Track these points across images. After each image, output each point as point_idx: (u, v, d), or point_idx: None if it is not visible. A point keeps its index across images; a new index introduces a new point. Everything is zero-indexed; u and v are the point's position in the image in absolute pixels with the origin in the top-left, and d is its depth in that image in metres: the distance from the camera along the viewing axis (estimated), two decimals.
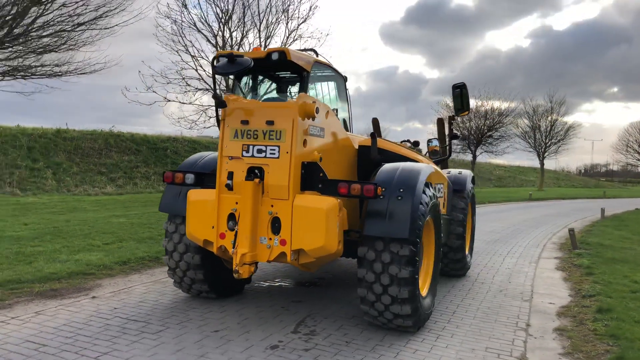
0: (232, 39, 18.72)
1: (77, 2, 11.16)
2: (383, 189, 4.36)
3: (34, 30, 10.83)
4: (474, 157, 38.90)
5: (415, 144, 7.75)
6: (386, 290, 4.28)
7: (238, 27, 18.63)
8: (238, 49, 18.78)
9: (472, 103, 38.06)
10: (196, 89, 19.44)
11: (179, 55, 18.89)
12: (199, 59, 18.94)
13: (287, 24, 19.12)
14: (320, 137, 4.57)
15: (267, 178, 4.24)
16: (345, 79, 6.88)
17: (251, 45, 19.65)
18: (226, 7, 18.37)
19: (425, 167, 4.81)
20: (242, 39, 18.70)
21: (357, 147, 5.44)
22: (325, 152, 4.60)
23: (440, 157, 7.16)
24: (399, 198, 4.31)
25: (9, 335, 4.11)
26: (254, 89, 6.13)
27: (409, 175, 4.50)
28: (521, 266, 8.22)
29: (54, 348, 3.86)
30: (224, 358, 3.82)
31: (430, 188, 4.79)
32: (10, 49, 11.06)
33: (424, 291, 4.87)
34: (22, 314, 4.64)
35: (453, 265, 6.84)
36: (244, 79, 6.16)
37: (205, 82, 19.37)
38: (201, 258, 4.98)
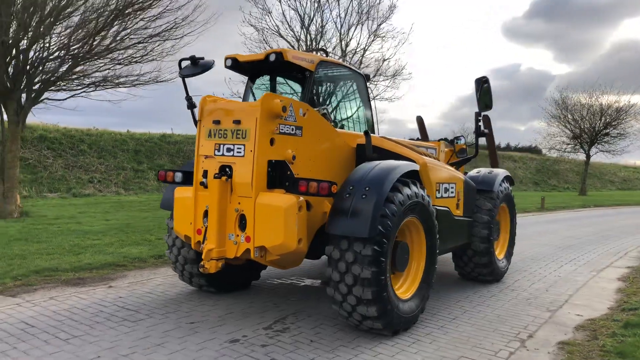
0: (313, 43, 19.06)
1: (154, 16, 12.08)
2: (351, 188, 4.30)
3: (116, 42, 11.90)
4: (588, 157, 35.88)
5: (452, 142, 7.43)
6: (351, 290, 4.20)
7: (318, 31, 18.91)
8: (317, 52, 19.08)
9: (585, 99, 35.23)
10: (281, 93, 20.03)
11: None
12: None
13: (363, 24, 19.03)
14: (296, 135, 4.57)
15: (234, 176, 4.35)
16: (366, 77, 6.79)
17: (334, 47, 19.89)
18: (305, 12, 18.76)
19: (405, 165, 4.63)
20: (319, 41, 18.96)
21: (354, 145, 5.35)
22: (303, 151, 4.61)
23: (467, 156, 6.79)
24: (363, 197, 4.20)
25: (12, 315, 4.61)
26: (272, 91, 6.29)
27: (380, 174, 4.36)
28: (576, 274, 7.53)
29: (38, 329, 4.28)
30: (179, 348, 3.99)
31: (413, 187, 4.59)
32: (99, 60, 12.24)
33: (406, 294, 4.69)
34: (37, 298, 5.18)
35: (480, 270, 6.45)
36: (259, 81, 6.35)
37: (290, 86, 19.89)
38: (196, 253, 5.20)
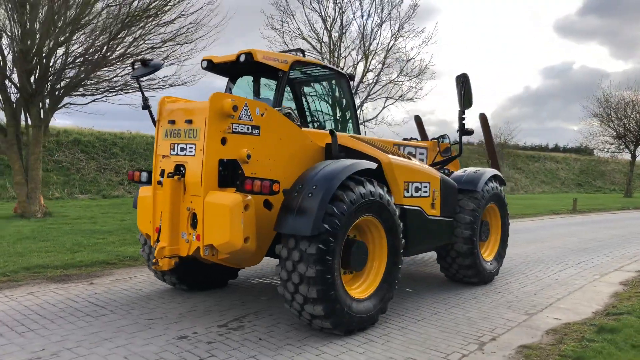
0: (333, 45, 19.06)
1: (169, 21, 12.39)
2: (300, 187, 4.30)
3: (132, 48, 12.27)
4: (633, 157, 34.35)
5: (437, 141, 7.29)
6: (297, 289, 4.19)
7: (341, 32, 18.89)
8: (339, 53, 19.08)
9: (630, 96, 33.75)
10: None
11: None
12: None
13: (384, 24, 18.87)
14: (252, 135, 4.60)
15: (187, 175, 4.42)
16: (349, 77, 6.77)
17: (357, 48, 19.83)
18: (327, 13, 18.78)
19: (358, 163, 4.59)
20: (340, 41, 18.93)
21: (323, 145, 5.33)
22: (261, 150, 4.63)
23: (451, 155, 6.65)
24: (310, 195, 4.19)
25: None
26: (256, 92, 6.36)
27: (329, 172, 4.33)
28: (576, 278, 7.25)
29: (1, 322, 4.47)
30: (124, 343, 4.07)
31: (369, 186, 4.54)
32: (116, 65, 12.65)
33: (364, 293, 4.64)
34: (17, 294, 5.40)
35: (464, 271, 6.30)
36: (241, 82, 6.42)
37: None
38: None
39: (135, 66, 4.71)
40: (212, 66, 5.92)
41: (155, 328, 4.46)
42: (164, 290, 5.71)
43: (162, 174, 4.58)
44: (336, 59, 19.13)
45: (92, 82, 12.80)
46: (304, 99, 7.12)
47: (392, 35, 19.08)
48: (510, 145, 31.75)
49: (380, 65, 19.34)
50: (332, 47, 19.34)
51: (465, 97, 6.05)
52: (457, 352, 4.19)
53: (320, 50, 19.42)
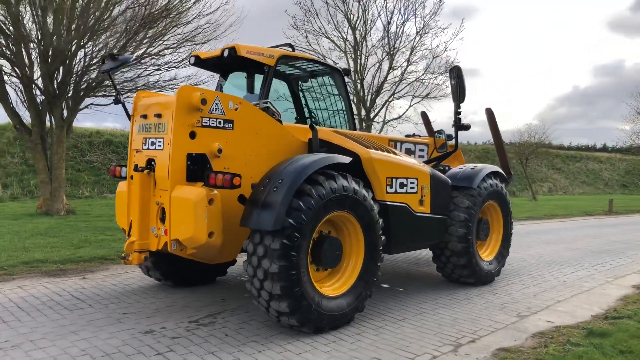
0: (357, 44, 18.91)
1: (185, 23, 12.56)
2: (267, 181, 4.23)
3: (152, 48, 12.50)
4: None
5: (448, 137, 7.09)
6: (262, 285, 4.11)
7: (365, 30, 18.73)
8: (361, 52, 18.91)
9: None
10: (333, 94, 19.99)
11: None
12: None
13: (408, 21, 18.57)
14: (225, 129, 4.55)
15: (156, 169, 4.41)
16: (344, 72, 6.65)
17: (382, 45, 19.60)
18: (352, 11, 18.64)
19: (328, 157, 4.47)
20: (364, 40, 18.75)
21: (306, 140, 5.24)
22: (235, 145, 4.58)
23: (446, 151, 6.42)
24: (274, 189, 4.10)
25: None
26: (249, 88, 6.32)
27: (297, 167, 4.23)
28: (587, 280, 6.90)
29: None
30: (89, 336, 4.08)
31: (342, 180, 4.41)
32: (137, 66, 12.90)
33: (338, 291, 4.52)
34: (6, 287, 5.51)
35: (460, 271, 6.08)
36: (233, 79, 6.40)
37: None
38: None
39: (106, 61, 4.74)
40: (200, 62, 5.91)
41: (126, 322, 4.46)
42: (151, 286, 5.74)
43: (135, 169, 4.59)
44: (360, 58, 18.98)
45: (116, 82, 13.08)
46: (301, 95, 7.05)
47: (417, 33, 18.78)
48: (547, 144, 30.71)
49: (405, 63, 19.06)
50: (356, 45, 19.18)
51: (459, 91, 5.84)
52: (428, 354, 4.02)
53: (344, 49, 19.29)
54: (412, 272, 7.12)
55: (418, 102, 19.92)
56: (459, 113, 6.16)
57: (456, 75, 5.82)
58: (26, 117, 12.68)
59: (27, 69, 12.17)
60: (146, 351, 3.81)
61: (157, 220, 4.39)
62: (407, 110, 20.28)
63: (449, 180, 6.01)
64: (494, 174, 6.46)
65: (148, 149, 4.51)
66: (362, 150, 4.97)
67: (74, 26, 12.14)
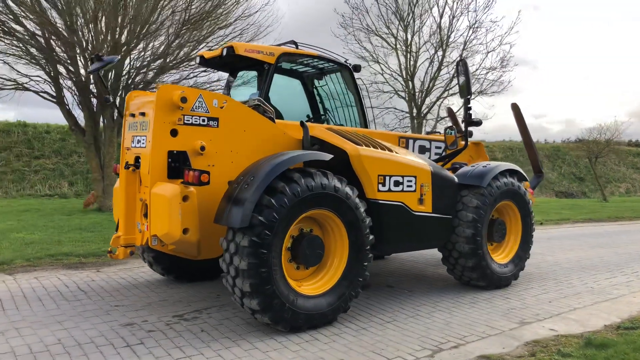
0: (407, 41, 18.55)
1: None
2: (241, 178, 4.23)
3: (195, 50, 12.89)
4: None
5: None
6: (235, 281, 4.12)
7: (412, 28, 18.35)
8: (411, 49, 18.53)
9: None
10: (384, 91, 19.80)
11: (369, 64, 19.56)
12: (381, 63, 19.34)
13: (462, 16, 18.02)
14: (210, 127, 4.59)
15: (140, 167, 4.53)
16: (354, 68, 6.54)
17: (435, 41, 19.14)
18: (401, 7, 18.31)
19: (303, 154, 4.41)
20: (413, 37, 18.37)
21: (300, 137, 5.19)
22: (221, 142, 4.62)
23: (457, 148, 6.14)
24: (245, 186, 4.09)
25: None
26: (260, 86, 6.38)
27: (271, 164, 4.20)
28: (618, 287, 6.39)
29: None
30: (71, 326, 4.24)
31: (321, 178, 4.33)
32: (182, 67, 13.36)
33: (319, 290, 4.45)
34: (24, 277, 5.86)
35: (469, 273, 5.80)
36: (241, 77, 6.48)
37: (390, 84, 19.62)
38: None
39: (94, 62, 4.91)
40: (205, 62, 6.01)
41: (113, 314, 4.61)
42: (156, 280, 5.90)
43: (125, 166, 4.74)
44: (410, 54, 18.62)
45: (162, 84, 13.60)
46: (315, 93, 7.01)
47: (469, 27, 18.14)
48: (621, 142, 28.81)
49: (458, 59, 18.45)
50: (407, 42, 18.83)
51: (466, 85, 5.59)
52: (401, 358, 3.87)
53: (395, 46, 19.00)
54: (426, 273, 6.89)
55: (473, 99, 19.23)
56: (469, 108, 5.90)
57: (463, 69, 5.57)
58: (80, 118, 13.43)
59: (81, 74, 12.90)
60: (117, 343, 3.92)
61: (141, 216, 4.51)
62: (461, 107, 19.55)
63: (455, 179, 5.75)
64: (510, 172, 6.11)
65: (135, 146, 4.63)
66: (350, 147, 4.86)
67: (125, 31, 12.75)
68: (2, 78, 12.33)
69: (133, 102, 4.84)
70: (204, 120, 4.55)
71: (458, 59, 5.62)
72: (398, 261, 7.62)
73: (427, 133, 7.25)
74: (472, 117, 5.87)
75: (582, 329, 4.69)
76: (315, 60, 6.25)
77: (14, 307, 4.75)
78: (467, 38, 18.19)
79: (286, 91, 7.00)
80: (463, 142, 6.25)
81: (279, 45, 6.18)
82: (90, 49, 12.36)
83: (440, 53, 18.55)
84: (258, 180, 4.06)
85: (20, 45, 12.38)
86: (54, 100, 12.89)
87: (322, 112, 6.94)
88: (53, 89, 12.90)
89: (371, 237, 4.71)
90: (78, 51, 12.66)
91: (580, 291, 6.12)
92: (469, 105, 5.84)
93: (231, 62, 5.87)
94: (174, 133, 4.40)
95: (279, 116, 6.12)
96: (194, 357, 3.73)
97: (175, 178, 4.40)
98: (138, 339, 4.01)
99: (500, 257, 6.16)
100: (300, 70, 6.85)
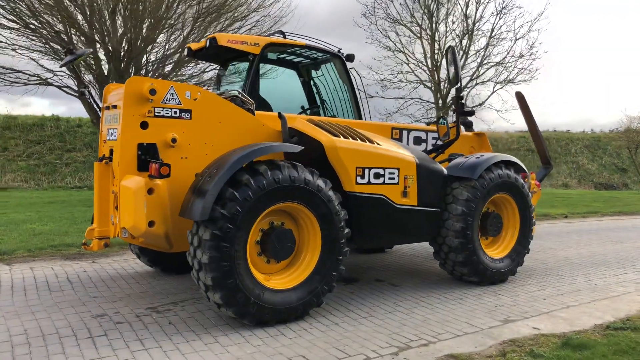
0: (432, 29, 18.13)
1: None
2: (207, 170, 4.20)
3: None
4: None
5: (466, 125, 6.65)
6: (199, 275, 4.09)
7: (436, 16, 17.91)
8: (435, 37, 18.09)
9: None
10: (409, 81, 19.47)
11: (394, 54, 19.27)
12: (406, 53, 19.00)
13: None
14: (182, 119, 4.56)
15: (113, 159, 4.55)
16: (346, 58, 6.43)
17: (461, 30, 18.66)
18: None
19: (272, 147, 4.33)
20: (436, 24, 17.91)
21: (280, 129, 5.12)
22: (194, 135, 4.59)
23: (449, 139, 5.92)
24: (208, 179, 4.05)
25: None
26: (253, 78, 6.34)
27: (235, 156, 4.14)
28: (626, 285, 6.08)
29: None
30: (42, 317, 4.31)
31: (289, 170, 4.25)
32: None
33: (291, 283, 4.39)
34: (20, 268, 6.01)
35: (460, 268, 5.62)
36: (232, 69, 6.45)
37: (415, 74, 19.28)
38: None
39: (66, 55, 4.95)
40: (193, 54, 6.00)
41: (89, 305, 4.67)
42: (145, 272, 5.95)
43: (100, 159, 4.78)
44: (436, 43, 18.21)
45: (183, 78, 13.75)
46: (312, 84, 6.93)
47: (496, 14, 17.57)
48: None
49: (484, 46, 17.97)
50: (433, 30, 18.42)
51: (455, 73, 5.39)
52: (363, 355, 3.76)
53: (420, 35, 18.61)
54: (421, 268, 6.72)
55: (501, 88, 18.72)
56: (461, 98, 5.69)
57: (451, 58, 5.37)
58: None
59: (102, 68, 13.19)
60: (81, 334, 3.95)
61: (113, 209, 4.53)
62: (489, 96, 19.06)
63: (444, 171, 5.56)
64: (506, 164, 5.87)
65: (109, 139, 4.65)
66: (326, 139, 4.75)
67: (145, 25, 12.94)
68: (26, 74, 12.72)
69: (110, 94, 4.86)
70: (175, 112, 4.52)
71: (448, 47, 5.38)
72: (397, 255, 7.47)
73: (427, 124, 7.04)
74: (465, 106, 5.65)
75: (568, 328, 4.47)
76: (305, 50, 6.15)
77: (20, 293, 4.89)
78: (494, 24, 17.65)
79: (282, 82, 6.94)
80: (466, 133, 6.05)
81: (268, 36, 6.11)
82: (108, 42, 12.60)
83: (466, 41, 18.07)
84: (220, 172, 4.01)
85: (44, 41, 12.73)
86: (76, 94, 13.21)
87: (318, 103, 6.85)
88: (75, 82, 13.21)
89: (346, 230, 4.61)
90: (98, 46, 12.93)
91: (581, 288, 5.84)
92: (460, 95, 5.63)
93: (216, 54, 5.83)
94: (144, 125, 4.39)
95: (268, 108, 6.06)
96: (152, 349, 3.72)
97: (145, 170, 4.39)
98: (103, 331, 4.03)
99: (496, 251, 5.95)
100: (296, 61, 6.77)
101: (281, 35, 6.01)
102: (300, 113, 6.65)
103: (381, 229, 5.06)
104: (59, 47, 12.89)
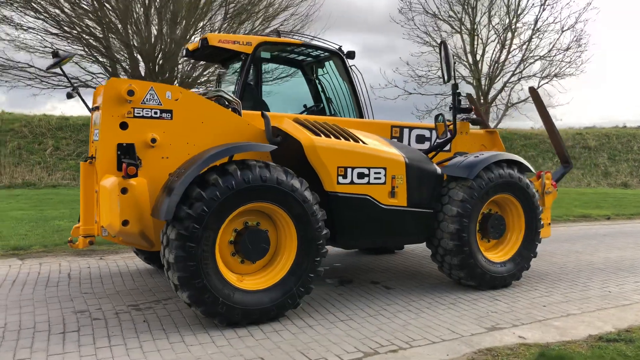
0: (473, 24, 17.58)
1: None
2: (178, 170, 4.22)
3: None
4: None
5: (474, 122, 6.41)
6: (168, 274, 4.13)
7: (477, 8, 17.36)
8: (474, 32, 17.53)
9: None
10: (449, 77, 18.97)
11: (434, 49, 18.87)
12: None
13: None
14: (163, 119, 4.61)
15: (96, 159, 4.66)
16: (348, 55, 6.33)
17: (504, 24, 18.02)
18: None
19: (243, 146, 4.30)
20: (475, 17, 17.34)
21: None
22: (176, 135, 4.63)
23: (447, 137, 5.68)
24: (176, 178, 4.07)
25: None
26: (256, 78, 6.39)
27: (204, 156, 4.15)
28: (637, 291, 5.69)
29: None
30: (27, 311, 4.48)
31: (261, 170, 4.21)
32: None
33: (265, 284, 4.35)
34: (31, 263, 6.29)
35: (456, 272, 5.40)
36: (231, 68, 6.49)
37: (456, 70, 18.76)
38: None
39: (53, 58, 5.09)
40: (190, 54, 6.06)
41: (76, 301, 4.81)
42: (146, 269, 6.08)
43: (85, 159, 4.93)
44: (476, 38, 17.65)
45: (213, 78, 13.99)
46: (317, 82, 6.87)
47: (540, 6, 16.82)
48: None
49: (528, 39, 17.26)
50: (473, 26, 17.87)
51: (447, 69, 5.18)
52: (324, 359, 3.68)
53: (459, 30, 18.11)
54: (424, 270, 6.51)
55: (547, 83, 17.93)
56: (459, 94, 5.46)
57: (443, 53, 5.16)
58: None
59: (140, 70, 13.62)
60: (55, 329, 4.07)
61: (96, 208, 4.64)
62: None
63: (438, 170, 5.36)
64: (508, 163, 5.59)
65: (95, 140, 4.77)
66: (305, 138, 4.68)
67: (180, 26, 13.26)
68: (67, 76, 13.28)
69: (98, 96, 4.97)
70: (155, 113, 4.57)
71: (440, 41, 5.18)
72: (405, 257, 7.29)
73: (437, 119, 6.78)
74: (462, 103, 5.43)
75: (557, 338, 4.21)
76: (303, 48, 6.08)
77: (17, 287, 5.13)
78: (539, 15, 16.92)
79: (287, 81, 6.92)
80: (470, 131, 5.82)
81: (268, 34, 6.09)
82: (142, 45, 12.99)
83: (508, 34, 17.42)
84: (187, 172, 4.02)
85: (84, 45, 13.28)
86: None
87: (322, 102, 6.78)
88: None
89: (325, 231, 4.52)
90: (136, 46, 13.35)
91: (592, 296, 5.49)
92: (457, 91, 5.40)
93: (211, 54, 5.87)
94: (123, 126, 4.46)
95: (264, 107, 6.05)
96: (116, 347, 3.78)
97: None
98: (77, 326, 4.14)
99: (499, 255, 5.68)
100: (299, 59, 6.72)
101: (276, 35, 5.98)
102: (302, 112, 6.60)
103: (366, 230, 4.94)
104: (99, 50, 13.43)
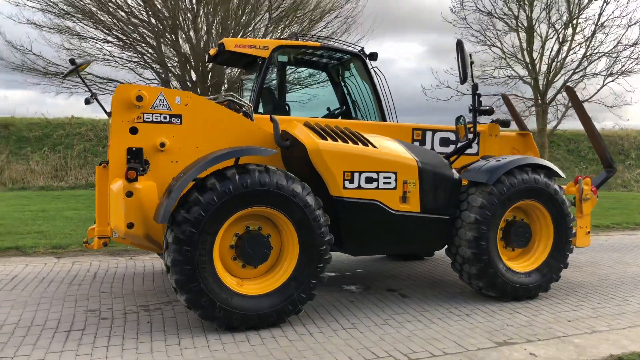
0: (530, 21, 16.83)
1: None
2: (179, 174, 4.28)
3: None
4: None
5: (504, 124, 6.15)
6: (168, 277, 4.18)
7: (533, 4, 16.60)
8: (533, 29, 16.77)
9: None
10: (510, 77, 18.35)
11: (490, 48, 18.30)
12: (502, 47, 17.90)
13: None
14: (172, 124, 4.69)
15: (109, 163, 4.81)
16: (369, 56, 6.22)
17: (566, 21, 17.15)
18: None
19: (242, 150, 4.29)
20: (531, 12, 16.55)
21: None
22: (185, 139, 4.70)
23: (466, 140, 5.41)
24: (174, 182, 4.12)
25: None
26: (280, 81, 6.43)
27: (201, 162, 4.18)
28: None
29: None
30: (44, 308, 4.67)
31: (260, 175, 4.18)
32: None
33: (266, 289, 4.32)
34: (65, 261, 6.59)
35: (475, 281, 5.15)
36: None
37: (513, 69, 18.12)
38: None
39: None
40: (212, 59, 6.15)
41: (91, 299, 4.97)
42: (161, 269, 6.21)
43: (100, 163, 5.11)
44: (534, 36, 16.89)
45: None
46: (343, 85, 6.81)
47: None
48: None
49: (591, 35, 16.31)
50: (530, 22, 17.11)
51: (462, 69, 4.96)
52: None
53: (516, 27, 17.39)
54: (447, 279, 6.24)
55: (612, 81, 16.88)
56: (479, 95, 5.22)
57: (459, 53, 4.94)
58: None
59: (191, 75, 14.03)
60: (63, 327, 4.22)
61: (109, 210, 4.79)
62: (598, 90, 17.24)
63: (455, 175, 5.13)
64: (533, 168, 5.27)
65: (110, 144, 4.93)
66: (310, 142, 4.60)
67: (227, 32, 13.56)
68: (121, 82, 13.92)
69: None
70: (165, 118, 4.65)
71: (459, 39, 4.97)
72: (433, 264, 7.05)
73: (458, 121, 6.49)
74: (482, 104, 5.18)
75: (573, 357, 3.91)
76: (323, 51, 6.02)
77: (12, 287, 5.36)
78: (602, 9, 15.95)
79: (312, 84, 6.89)
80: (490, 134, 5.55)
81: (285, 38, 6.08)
82: (192, 51, 13.36)
83: (569, 31, 16.56)
84: (185, 176, 4.07)
85: (137, 52, 13.85)
86: None
87: (349, 104, 6.70)
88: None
89: (328, 237, 4.44)
90: (186, 53, 13.76)
91: (627, 311, 5.08)
92: (477, 92, 5.16)
93: (231, 59, 5.92)
94: (133, 131, 4.56)
95: (285, 112, 6.04)
96: (113, 347, 3.87)
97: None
98: (83, 325, 4.27)
99: (524, 264, 5.37)
100: (324, 62, 6.67)
101: (295, 38, 5.95)
102: (325, 115, 6.53)
103: (375, 237, 4.80)
104: (152, 57, 13.95)
